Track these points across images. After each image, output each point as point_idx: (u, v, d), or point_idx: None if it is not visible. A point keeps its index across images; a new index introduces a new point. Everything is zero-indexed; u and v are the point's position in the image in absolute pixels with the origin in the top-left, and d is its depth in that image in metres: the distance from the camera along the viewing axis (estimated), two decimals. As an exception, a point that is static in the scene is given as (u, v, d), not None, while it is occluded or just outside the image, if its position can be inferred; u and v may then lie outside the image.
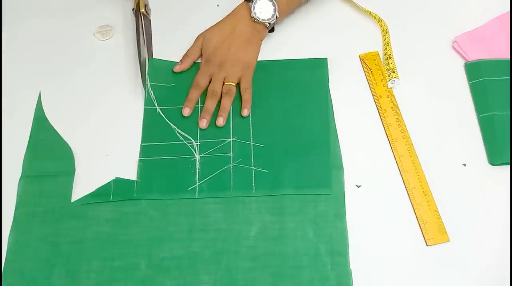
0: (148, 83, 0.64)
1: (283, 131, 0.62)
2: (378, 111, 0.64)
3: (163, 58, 0.66)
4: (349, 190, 0.59)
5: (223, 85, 0.64)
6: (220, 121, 0.62)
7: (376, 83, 0.66)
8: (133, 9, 0.66)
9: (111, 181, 0.58)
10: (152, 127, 0.62)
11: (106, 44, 0.68)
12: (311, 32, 0.70)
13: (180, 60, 0.66)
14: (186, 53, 0.66)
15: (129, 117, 0.63)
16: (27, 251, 0.55)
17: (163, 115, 0.62)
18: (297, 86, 0.65)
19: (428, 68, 0.67)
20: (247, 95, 0.63)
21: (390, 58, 0.66)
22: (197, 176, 0.59)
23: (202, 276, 0.54)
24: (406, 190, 0.59)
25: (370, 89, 0.66)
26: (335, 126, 0.62)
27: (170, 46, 0.68)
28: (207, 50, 0.65)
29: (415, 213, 0.58)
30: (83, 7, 0.71)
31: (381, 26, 0.69)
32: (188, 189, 0.58)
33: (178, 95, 0.64)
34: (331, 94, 0.65)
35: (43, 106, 0.63)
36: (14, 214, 0.57)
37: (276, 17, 0.65)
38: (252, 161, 0.60)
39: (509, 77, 0.65)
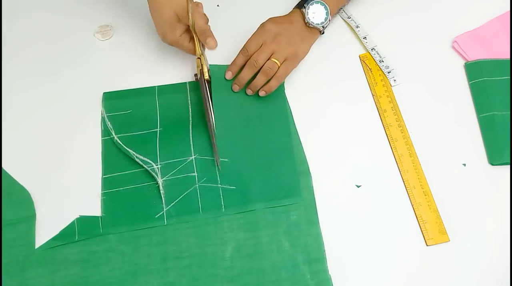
0: (104, 115, 0.62)
1: (245, 143, 0.61)
2: (378, 111, 0.64)
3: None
4: (349, 190, 0.59)
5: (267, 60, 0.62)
6: (249, 92, 0.63)
7: (376, 83, 0.66)
8: (195, 74, 0.65)
9: (74, 220, 0.56)
10: (111, 157, 0.60)
11: (106, 44, 0.68)
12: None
13: (241, 49, 0.63)
14: (243, 47, 0.63)
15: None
16: None
17: (120, 143, 0.60)
18: (255, 97, 0.63)
19: (428, 68, 0.67)
20: (274, 83, 0.62)
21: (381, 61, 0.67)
22: (163, 201, 0.57)
23: None
24: (406, 190, 0.59)
25: (370, 89, 0.66)
26: (296, 131, 0.62)
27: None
28: (267, 23, 0.64)
29: (415, 213, 0.58)
30: (83, 7, 0.71)
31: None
32: (156, 216, 0.57)
33: (135, 122, 0.62)
34: (334, 96, 0.65)
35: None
36: None
37: (329, 20, 0.65)
38: (218, 178, 0.59)
39: (509, 77, 0.65)
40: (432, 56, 0.68)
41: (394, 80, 0.66)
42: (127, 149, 0.60)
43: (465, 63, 0.67)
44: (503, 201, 0.59)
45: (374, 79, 0.66)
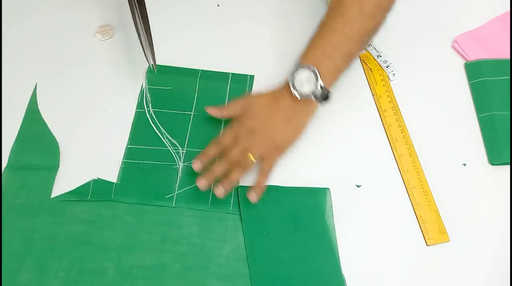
0: (146, 86, 0.64)
1: (282, 272, 0.54)
2: (378, 111, 0.64)
3: (163, 58, 0.66)
4: (349, 189, 0.59)
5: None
6: (221, 191, 0.55)
7: (376, 83, 0.66)
8: None
9: (91, 181, 0.58)
10: (140, 130, 0.61)
11: (106, 44, 0.68)
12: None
13: (219, 107, 0.60)
14: (228, 104, 0.61)
15: (120, 119, 0.63)
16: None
17: (154, 117, 0.61)
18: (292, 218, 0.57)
19: (428, 68, 0.67)
20: (262, 178, 0.56)
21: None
22: (177, 184, 0.58)
23: None
24: (406, 189, 0.59)
25: (370, 89, 0.66)
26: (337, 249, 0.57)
27: (170, 47, 0.68)
28: (246, 111, 0.58)
29: (415, 213, 0.58)
30: (83, 7, 0.71)
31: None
32: (166, 196, 0.57)
33: (172, 99, 0.63)
34: (334, 95, 0.65)
35: (38, 102, 0.64)
36: None
37: (321, 86, 0.56)
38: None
39: (509, 77, 0.65)
40: (432, 56, 0.68)
41: (393, 74, 0.66)
42: (159, 125, 0.61)
43: (465, 63, 0.67)
44: (503, 201, 0.59)
45: (374, 79, 0.66)
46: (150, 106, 0.62)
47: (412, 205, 0.58)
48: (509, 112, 0.63)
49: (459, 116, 0.64)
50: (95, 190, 0.58)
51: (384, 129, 0.63)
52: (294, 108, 0.58)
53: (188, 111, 0.63)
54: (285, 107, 0.58)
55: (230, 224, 0.57)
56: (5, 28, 0.69)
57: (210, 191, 0.57)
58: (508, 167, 0.61)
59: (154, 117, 0.62)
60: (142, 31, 0.57)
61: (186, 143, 0.61)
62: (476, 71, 0.66)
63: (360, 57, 0.68)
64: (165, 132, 0.60)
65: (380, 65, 0.67)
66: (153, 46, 0.59)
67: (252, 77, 0.66)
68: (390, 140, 0.62)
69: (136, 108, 0.63)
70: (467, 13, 0.71)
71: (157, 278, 0.54)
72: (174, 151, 0.59)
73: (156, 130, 0.61)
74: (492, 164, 0.61)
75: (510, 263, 0.55)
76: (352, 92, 0.66)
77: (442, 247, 0.56)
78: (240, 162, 0.56)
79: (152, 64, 0.60)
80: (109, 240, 0.55)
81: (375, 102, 0.65)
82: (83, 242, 0.55)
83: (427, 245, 0.56)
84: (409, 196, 0.59)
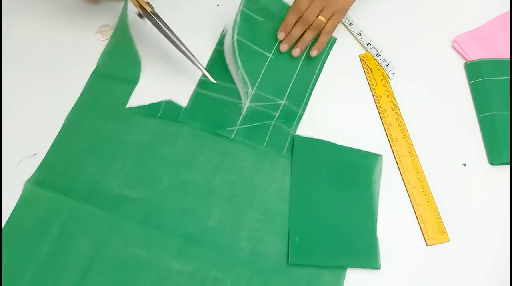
0: (241, 7, 0.64)
1: (321, 224, 0.57)
2: (378, 111, 0.64)
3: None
4: (349, 190, 0.59)
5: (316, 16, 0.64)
6: (297, 52, 0.63)
7: (376, 83, 0.66)
8: (138, 14, 0.62)
9: (163, 101, 0.63)
10: (216, 66, 0.65)
11: (106, 44, 0.68)
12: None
13: (289, 12, 0.65)
14: (294, 4, 0.65)
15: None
16: (75, 136, 0.61)
17: (235, 47, 0.62)
18: (338, 173, 0.60)
19: (428, 68, 0.67)
20: (324, 38, 0.65)
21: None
22: (239, 120, 0.61)
23: (212, 209, 0.57)
24: (406, 190, 0.59)
25: (370, 89, 0.66)
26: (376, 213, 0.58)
27: (171, 46, 0.68)
28: None
29: (415, 213, 0.58)
30: (83, 7, 0.71)
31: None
32: (227, 128, 0.61)
33: (258, 34, 0.65)
34: (334, 95, 0.65)
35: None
36: (77, 100, 0.63)
37: None
38: (293, 125, 0.62)
39: (509, 77, 0.65)
40: (432, 56, 0.68)
41: (393, 73, 0.66)
42: (237, 56, 0.62)
43: (465, 63, 0.67)
44: (503, 201, 0.59)
45: (374, 79, 0.66)
46: (235, 33, 0.63)
47: (412, 205, 0.58)
48: (509, 112, 0.63)
49: (459, 116, 0.64)
50: (166, 109, 0.62)
51: (384, 129, 0.63)
52: None
53: (267, 53, 0.65)
54: None
55: (280, 166, 0.60)
56: (5, 28, 0.69)
57: (267, 132, 0.61)
58: (508, 167, 0.61)
59: (236, 47, 0.62)
60: (179, 43, 0.61)
61: (256, 84, 0.63)
62: (476, 71, 0.66)
63: (360, 57, 0.68)
64: (241, 66, 0.62)
65: (379, 64, 0.67)
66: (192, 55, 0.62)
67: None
68: (390, 141, 0.62)
69: (216, 45, 0.67)
70: (467, 13, 0.71)
71: (205, 197, 0.58)
72: (244, 90, 0.62)
73: (230, 67, 0.65)
74: (492, 164, 0.61)
75: (510, 263, 0.55)
76: (352, 92, 0.66)
77: (442, 247, 0.56)
78: (313, 24, 0.64)
79: (207, 75, 0.63)
80: (170, 155, 0.60)
81: (375, 102, 0.65)
82: (146, 151, 0.60)
83: (427, 245, 0.56)
84: (409, 196, 0.59)
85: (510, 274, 0.55)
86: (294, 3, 0.64)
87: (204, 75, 0.64)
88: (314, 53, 0.65)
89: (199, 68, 0.61)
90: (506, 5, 0.71)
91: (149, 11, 0.61)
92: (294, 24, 0.64)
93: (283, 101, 0.63)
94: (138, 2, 0.61)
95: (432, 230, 0.57)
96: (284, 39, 0.65)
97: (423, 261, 0.56)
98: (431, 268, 0.55)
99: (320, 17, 0.64)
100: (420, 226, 0.57)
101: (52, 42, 0.68)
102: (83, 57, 0.67)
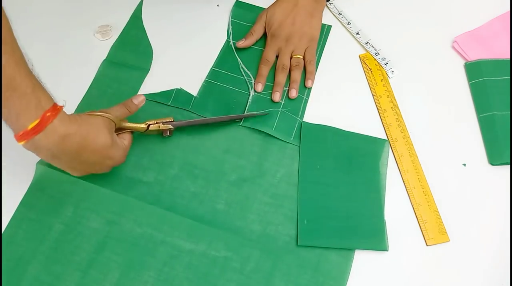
0: (230, 19, 0.70)
1: (329, 205, 0.58)
2: (378, 111, 0.64)
3: (163, 59, 0.67)
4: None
5: (291, 58, 0.66)
6: (293, 93, 0.64)
7: (376, 83, 0.66)
8: (147, 124, 0.59)
9: (174, 89, 0.64)
10: (226, 57, 0.68)
11: (106, 44, 0.68)
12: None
13: (244, 37, 0.68)
14: (250, 31, 0.68)
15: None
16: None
17: (233, 48, 0.68)
18: (344, 157, 0.61)
19: (428, 68, 0.67)
20: (311, 67, 0.66)
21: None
22: (246, 108, 0.63)
23: (222, 193, 0.58)
24: (406, 190, 0.59)
25: (370, 89, 0.66)
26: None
27: (171, 47, 0.68)
28: (272, 25, 0.67)
29: (415, 213, 0.58)
30: (83, 7, 0.71)
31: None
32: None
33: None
34: (334, 95, 0.65)
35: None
36: (88, 89, 0.64)
37: None
38: (300, 113, 0.64)
39: (509, 77, 0.65)
40: (432, 56, 0.68)
41: (392, 71, 0.66)
42: (237, 56, 0.67)
43: (465, 63, 0.67)
44: (503, 201, 0.59)
45: (374, 79, 0.66)
46: (231, 38, 0.69)
47: (412, 205, 0.58)
48: (509, 112, 0.63)
49: (459, 117, 0.64)
50: (176, 98, 0.64)
51: (384, 129, 0.63)
52: (312, 5, 0.68)
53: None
54: (305, 3, 0.68)
55: (288, 152, 0.61)
56: (5, 28, 0.69)
57: (275, 118, 0.62)
58: (508, 167, 0.61)
59: (233, 49, 0.68)
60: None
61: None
62: (476, 71, 0.66)
63: (360, 57, 0.68)
64: (241, 63, 0.67)
65: (379, 63, 0.67)
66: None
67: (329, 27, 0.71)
68: (390, 141, 0.62)
69: (226, 38, 0.69)
70: (467, 13, 0.71)
71: (214, 181, 0.59)
72: (248, 81, 0.65)
73: (237, 59, 0.67)
74: (492, 164, 0.61)
75: (510, 263, 0.55)
76: (352, 92, 0.66)
77: (442, 247, 0.56)
78: (292, 64, 0.66)
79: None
80: (180, 140, 0.61)
81: (375, 103, 0.65)
82: (157, 137, 0.61)
83: (427, 245, 0.56)
84: (409, 196, 0.59)
85: (510, 274, 0.55)
86: (262, 56, 0.66)
87: (215, 65, 0.67)
88: (309, 84, 0.65)
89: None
90: (506, 5, 0.71)
91: (171, 128, 0.60)
92: (276, 73, 0.65)
93: (286, 87, 0.65)
94: (153, 124, 0.59)
95: (432, 230, 0.57)
96: (273, 89, 0.65)
97: (423, 261, 0.56)
98: (431, 268, 0.55)
99: (296, 56, 0.66)
100: (420, 226, 0.57)
101: (52, 42, 0.68)
102: (83, 57, 0.67)
